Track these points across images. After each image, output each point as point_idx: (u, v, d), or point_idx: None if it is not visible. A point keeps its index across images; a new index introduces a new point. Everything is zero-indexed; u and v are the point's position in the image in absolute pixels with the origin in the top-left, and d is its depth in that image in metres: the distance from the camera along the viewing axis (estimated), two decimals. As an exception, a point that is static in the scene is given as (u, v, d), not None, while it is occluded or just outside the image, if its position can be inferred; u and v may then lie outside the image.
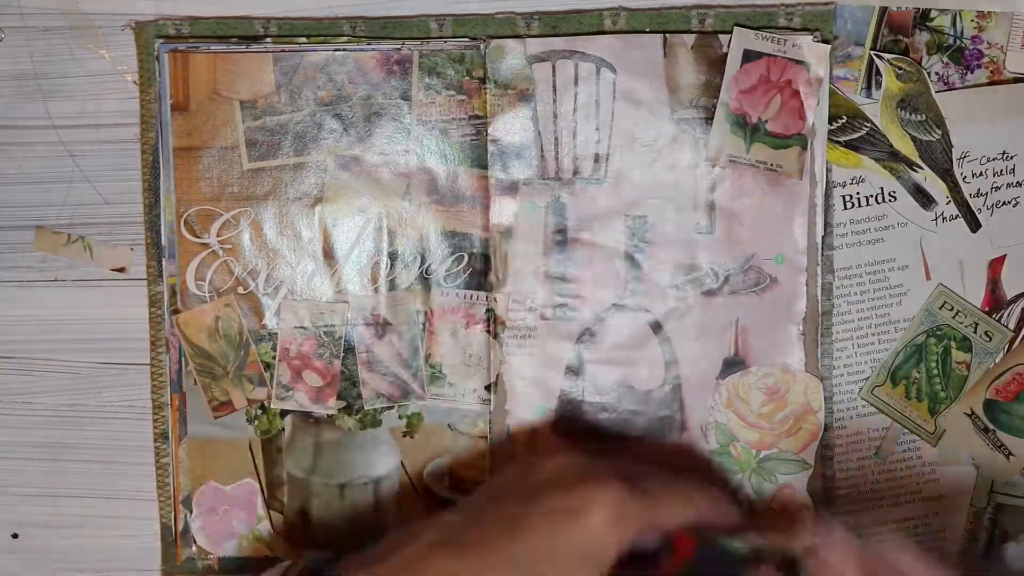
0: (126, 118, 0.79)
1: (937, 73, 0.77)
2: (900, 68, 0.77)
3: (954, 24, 0.77)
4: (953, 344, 0.79)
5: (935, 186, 0.78)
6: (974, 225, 0.78)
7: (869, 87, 0.78)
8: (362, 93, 0.78)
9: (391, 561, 0.67)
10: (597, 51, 0.77)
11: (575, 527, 0.66)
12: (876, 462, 0.80)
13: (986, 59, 0.77)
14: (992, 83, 0.77)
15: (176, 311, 0.79)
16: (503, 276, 0.79)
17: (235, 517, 0.81)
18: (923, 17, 0.77)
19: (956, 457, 0.80)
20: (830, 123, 0.77)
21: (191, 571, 0.82)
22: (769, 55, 0.76)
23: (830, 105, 0.77)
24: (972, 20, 0.77)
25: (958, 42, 0.77)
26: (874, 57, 0.77)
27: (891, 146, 0.78)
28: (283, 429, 0.80)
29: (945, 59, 0.77)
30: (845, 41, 0.77)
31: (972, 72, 0.77)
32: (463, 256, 0.79)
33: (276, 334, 0.79)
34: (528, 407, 0.79)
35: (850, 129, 0.78)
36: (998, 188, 0.78)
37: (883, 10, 0.77)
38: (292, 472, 0.81)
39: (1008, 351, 0.79)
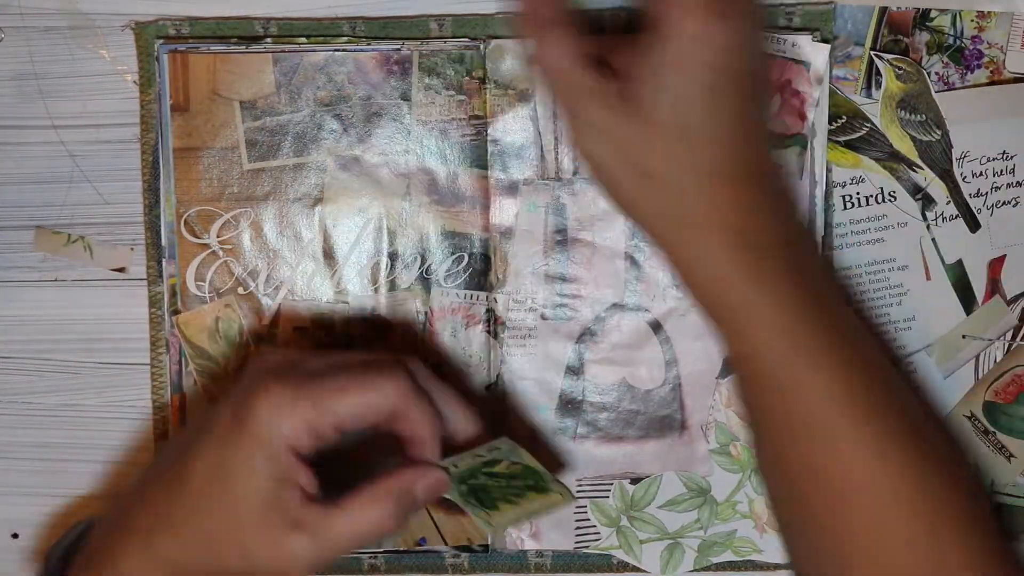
0: (126, 118, 0.80)
1: (937, 73, 0.78)
2: (900, 68, 0.77)
3: (954, 24, 0.78)
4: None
5: (935, 187, 0.79)
6: (973, 225, 0.79)
7: (869, 87, 0.78)
8: (362, 93, 0.78)
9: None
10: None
11: (238, 440, 0.65)
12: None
13: (986, 59, 0.78)
14: (992, 83, 0.78)
15: (176, 312, 0.80)
16: (503, 276, 0.79)
17: (235, 517, 0.81)
18: (923, 17, 0.78)
19: (956, 457, 0.81)
20: (830, 123, 0.78)
21: (192, 571, 0.82)
22: (768, 55, 0.77)
23: (830, 105, 0.78)
24: (972, 20, 0.78)
25: (958, 42, 0.78)
26: (874, 57, 0.78)
27: (891, 146, 0.78)
28: (284, 429, 0.81)
29: (945, 59, 0.78)
30: (845, 41, 0.78)
31: (972, 72, 0.78)
32: (463, 256, 0.79)
33: (276, 334, 0.80)
34: (528, 407, 0.80)
35: (850, 129, 0.78)
36: (998, 188, 0.79)
37: (883, 10, 0.78)
38: (292, 472, 0.81)
39: (1007, 352, 0.80)
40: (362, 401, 0.66)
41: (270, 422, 0.64)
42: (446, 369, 0.79)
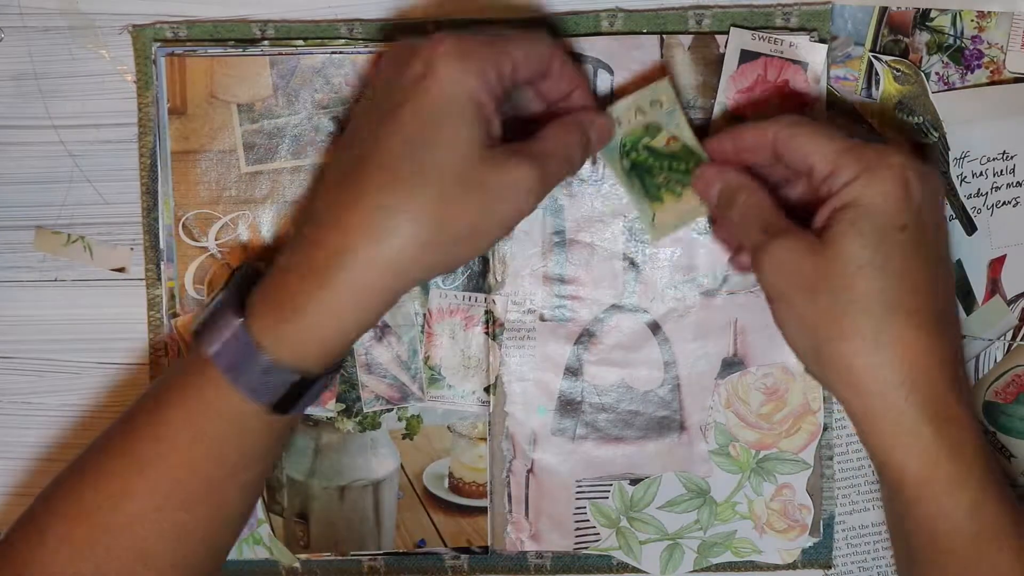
0: (126, 118, 0.81)
1: (937, 73, 0.79)
2: (898, 70, 0.78)
3: (954, 24, 0.78)
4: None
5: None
6: (970, 228, 0.79)
7: (869, 87, 0.79)
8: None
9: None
10: (594, 52, 0.78)
11: (429, 88, 0.66)
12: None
13: (986, 59, 0.78)
14: (992, 83, 0.79)
15: (175, 315, 0.80)
16: (502, 277, 0.80)
17: (235, 520, 0.82)
18: (923, 17, 0.78)
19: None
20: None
21: (191, 573, 0.83)
22: (766, 55, 0.77)
23: (828, 106, 0.78)
24: (972, 20, 0.78)
25: (958, 42, 0.79)
26: (872, 59, 0.78)
27: (888, 148, 0.79)
28: (282, 431, 0.81)
29: (945, 59, 0.79)
30: (845, 41, 0.78)
31: (972, 72, 0.79)
32: None
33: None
34: (527, 408, 0.81)
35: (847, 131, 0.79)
36: (998, 188, 0.79)
37: (883, 10, 0.78)
38: (292, 475, 0.82)
39: (1007, 352, 0.81)
40: (527, 48, 0.69)
41: (462, 72, 0.66)
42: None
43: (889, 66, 0.78)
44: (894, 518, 0.72)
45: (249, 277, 0.71)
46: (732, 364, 0.80)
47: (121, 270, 0.82)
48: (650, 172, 0.76)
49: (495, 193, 0.67)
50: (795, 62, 0.78)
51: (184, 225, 0.80)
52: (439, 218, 0.66)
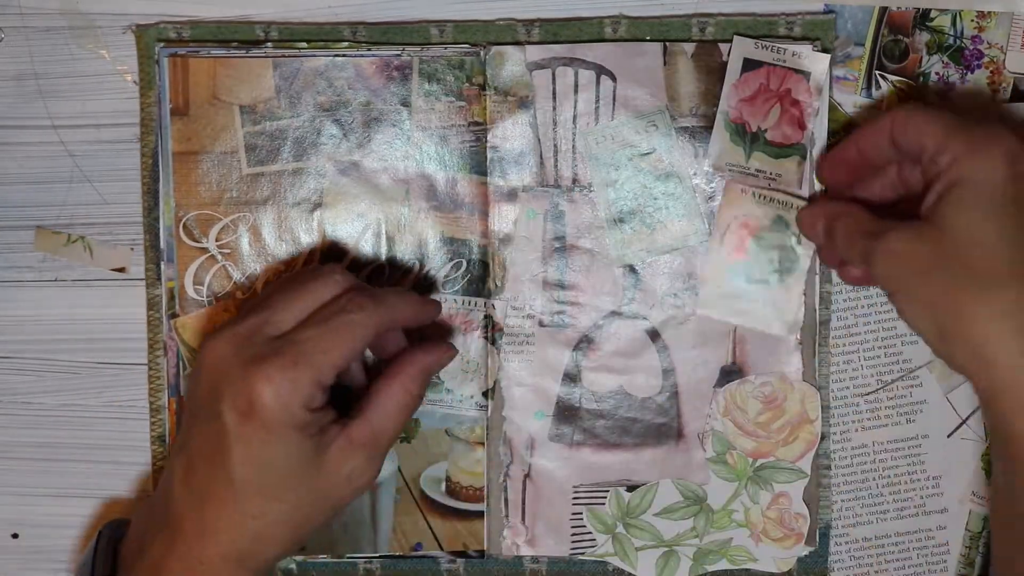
0: (126, 118, 0.82)
1: (937, 73, 0.80)
2: (903, 92, 0.80)
3: (954, 24, 0.80)
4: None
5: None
6: None
7: (869, 87, 0.80)
8: (362, 99, 0.80)
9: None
10: (597, 58, 0.80)
11: (263, 430, 0.69)
12: (879, 475, 0.83)
13: (986, 59, 0.80)
14: (992, 82, 0.80)
15: (174, 315, 0.81)
16: (501, 283, 0.81)
17: (231, 521, 0.83)
18: (923, 17, 0.80)
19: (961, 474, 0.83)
20: (828, 139, 0.80)
21: (187, 574, 0.84)
22: (769, 64, 0.79)
23: (829, 121, 0.80)
24: (972, 20, 0.80)
25: (958, 42, 0.80)
26: (879, 78, 0.80)
27: (884, 172, 0.80)
28: (280, 433, 0.83)
29: (945, 59, 0.80)
30: (845, 41, 0.80)
31: (972, 72, 0.80)
32: (461, 262, 0.81)
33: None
34: (525, 413, 0.82)
35: (845, 148, 0.80)
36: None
37: (883, 10, 0.80)
38: (289, 476, 0.83)
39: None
40: (349, 349, 0.71)
41: (283, 407, 0.69)
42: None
43: (895, 86, 0.80)
44: (1007, 502, 0.71)
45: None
46: (731, 372, 0.82)
47: (121, 270, 0.84)
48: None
49: (329, 489, 0.72)
50: (798, 71, 0.79)
51: (185, 226, 0.81)
52: (293, 527, 0.72)
